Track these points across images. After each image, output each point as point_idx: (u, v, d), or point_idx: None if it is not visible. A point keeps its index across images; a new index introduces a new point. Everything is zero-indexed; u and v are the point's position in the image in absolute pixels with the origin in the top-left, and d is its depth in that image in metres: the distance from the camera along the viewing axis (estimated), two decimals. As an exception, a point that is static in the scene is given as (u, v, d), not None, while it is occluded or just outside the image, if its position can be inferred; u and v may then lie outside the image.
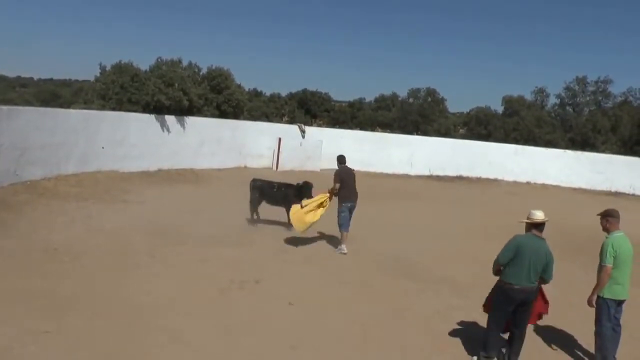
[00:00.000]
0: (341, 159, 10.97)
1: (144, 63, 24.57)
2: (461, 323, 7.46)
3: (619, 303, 6.40)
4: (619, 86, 71.23)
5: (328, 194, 10.59)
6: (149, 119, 18.10)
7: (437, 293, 8.62)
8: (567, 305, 8.08)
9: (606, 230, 6.48)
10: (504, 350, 6.49)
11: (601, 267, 6.30)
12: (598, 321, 6.41)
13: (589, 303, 6.44)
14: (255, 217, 12.03)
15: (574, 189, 23.28)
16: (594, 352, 6.55)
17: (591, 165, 24.55)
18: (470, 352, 6.54)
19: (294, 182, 12.17)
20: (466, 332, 7.11)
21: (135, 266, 8.51)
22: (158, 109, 18.40)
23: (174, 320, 6.64)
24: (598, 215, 6.65)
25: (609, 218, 6.50)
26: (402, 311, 7.70)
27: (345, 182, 10.60)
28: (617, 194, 23.41)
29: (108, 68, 18.90)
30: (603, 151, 27.17)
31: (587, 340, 6.90)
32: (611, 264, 6.22)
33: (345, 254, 10.44)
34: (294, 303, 7.57)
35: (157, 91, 18.24)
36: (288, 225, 11.71)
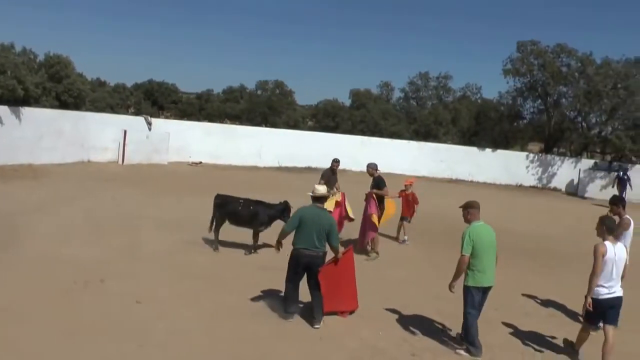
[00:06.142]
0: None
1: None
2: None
3: (484, 290, 6.68)
4: (457, 82, 77.17)
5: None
6: (-22, 109, 16.68)
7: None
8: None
9: (467, 221, 6.76)
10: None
11: (460, 257, 6.56)
12: (465, 308, 6.72)
13: (449, 288, 6.74)
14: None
15: (418, 177, 24.91)
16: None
17: (433, 155, 26.47)
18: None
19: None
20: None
21: (-36, 272, 7.88)
22: (-12, 99, 17.02)
23: (9, 329, 6.25)
24: (460, 207, 6.92)
25: (469, 209, 6.78)
26: (250, 300, 7.88)
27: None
28: (457, 181, 25.57)
29: None
30: (444, 142, 29.32)
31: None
32: (468, 254, 6.50)
33: None
34: (142, 301, 7.45)
35: (-13, 79, 16.86)
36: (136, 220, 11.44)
